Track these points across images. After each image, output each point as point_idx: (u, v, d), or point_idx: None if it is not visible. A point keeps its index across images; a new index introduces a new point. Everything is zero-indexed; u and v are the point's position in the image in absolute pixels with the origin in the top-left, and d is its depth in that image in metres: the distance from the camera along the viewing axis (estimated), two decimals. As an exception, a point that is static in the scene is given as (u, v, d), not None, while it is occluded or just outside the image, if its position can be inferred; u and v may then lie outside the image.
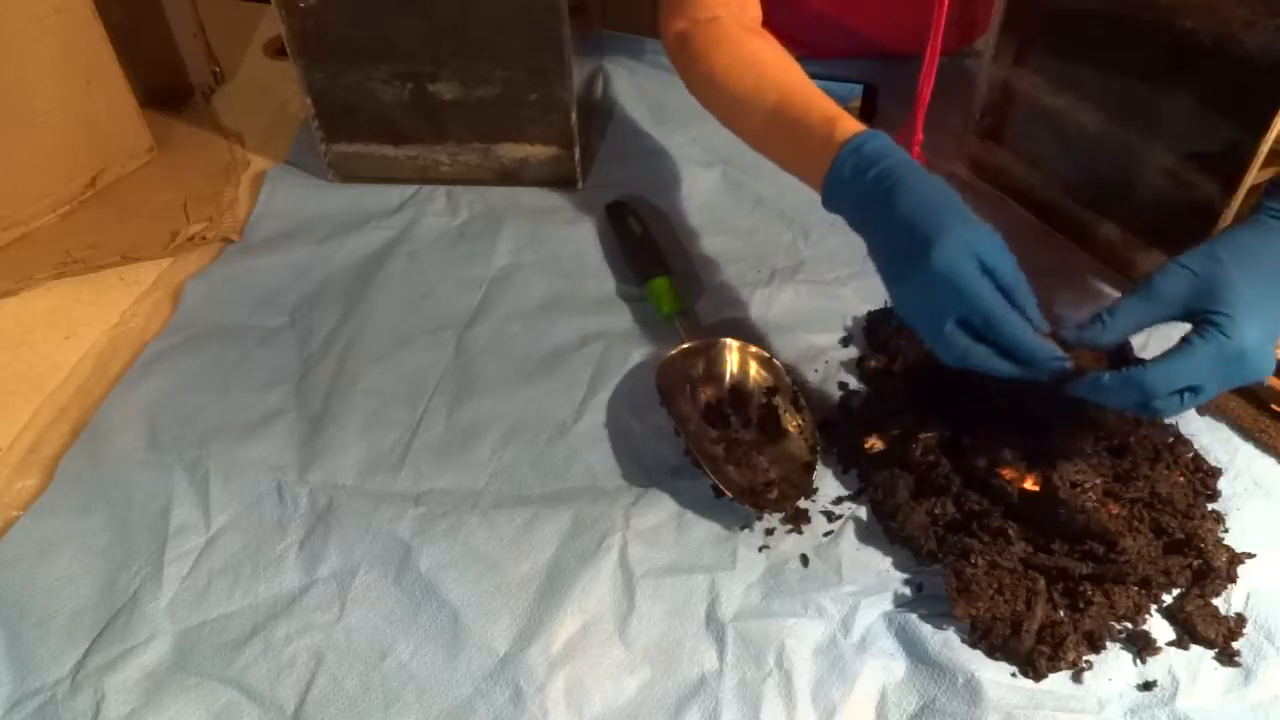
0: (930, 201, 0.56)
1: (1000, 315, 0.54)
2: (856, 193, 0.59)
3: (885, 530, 0.61)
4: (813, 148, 0.62)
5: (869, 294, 0.78)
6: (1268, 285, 0.55)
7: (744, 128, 0.71)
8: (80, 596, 0.59)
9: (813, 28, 0.94)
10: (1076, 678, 0.54)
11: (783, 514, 0.62)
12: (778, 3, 0.77)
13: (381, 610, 0.58)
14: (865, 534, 0.61)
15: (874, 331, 0.74)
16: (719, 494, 0.62)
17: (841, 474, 0.65)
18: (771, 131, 0.67)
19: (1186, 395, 0.54)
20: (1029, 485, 0.59)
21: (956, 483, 0.60)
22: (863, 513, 0.62)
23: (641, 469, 0.66)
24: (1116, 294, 0.77)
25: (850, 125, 0.61)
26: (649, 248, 0.81)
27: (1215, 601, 0.57)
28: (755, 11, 0.75)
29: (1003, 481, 0.59)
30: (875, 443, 0.63)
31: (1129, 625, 0.56)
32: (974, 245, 0.54)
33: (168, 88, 1.01)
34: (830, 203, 0.62)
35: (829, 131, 0.61)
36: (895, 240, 0.57)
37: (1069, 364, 0.55)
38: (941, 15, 0.76)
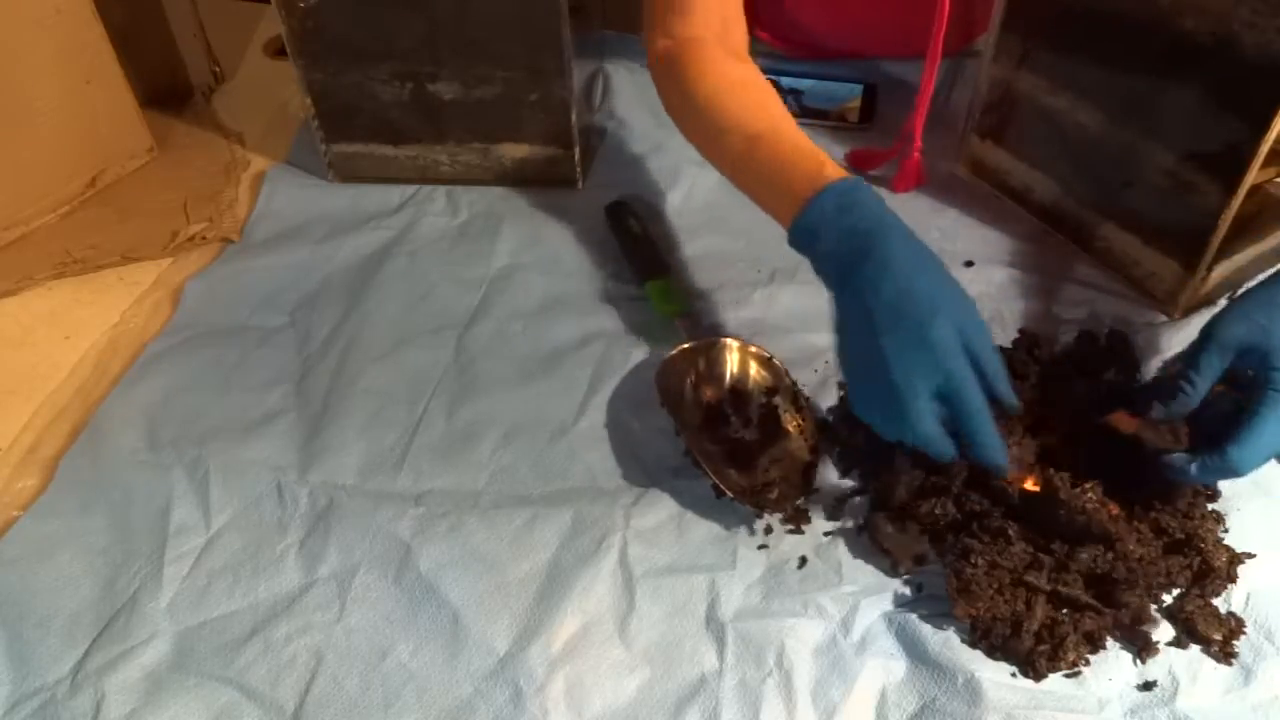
0: (920, 273, 0.55)
1: (972, 400, 0.53)
2: (832, 242, 0.57)
3: (870, 539, 0.60)
4: (787, 188, 0.60)
5: (869, 294, 0.77)
6: None
7: (719, 157, 0.69)
8: (80, 596, 0.59)
9: (811, 29, 0.94)
10: (1076, 678, 0.54)
11: (783, 514, 0.62)
12: (777, 4, 0.76)
13: (381, 610, 0.58)
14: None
15: None
16: (719, 494, 0.62)
17: (842, 474, 0.65)
18: (746, 164, 0.65)
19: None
20: (1029, 485, 0.59)
21: (957, 483, 0.60)
22: (863, 513, 0.62)
23: (641, 469, 0.66)
24: (1117, 294, 0.77)
25: (832, 171, 0.59)
26: (649, 248, 0.81)
27: (1215, 601, 0.57)
28: (740, 36, 0.73)
29: (1003, 482, 0.59)
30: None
31: (1129, 625, 0.55)
32: (962, 324, 0.54)
33: (168, 88, 1.01)
34: (797, 245, 0.59)
35: (808, 173, 0.59)
36: (880, 306, 0.54)
37: (1007, 472, 0.57)
38: (941, 26, 0.76)
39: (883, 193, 0.87)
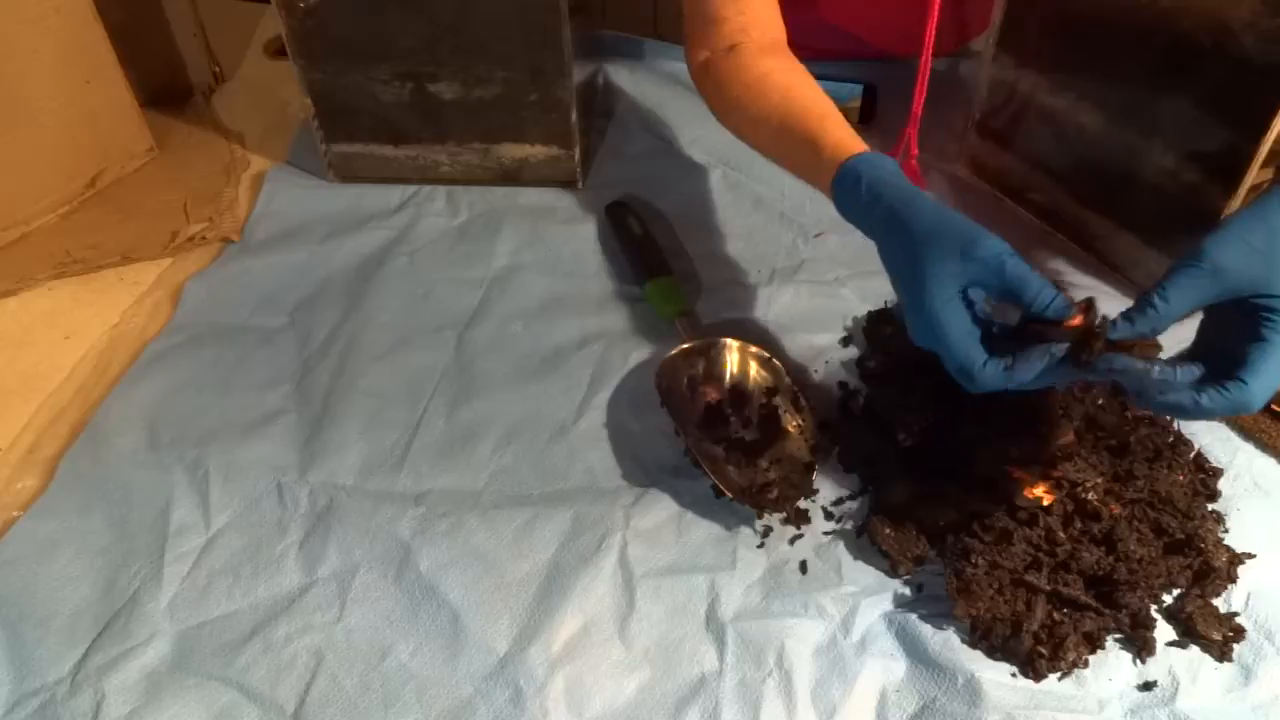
0: (939, 212, 0.55)
1: (1012, 263, 0.52)
2: (857, 212, 0.60)
3: (870, 540, 0.60)
4: (812, 168, 0.63)
5: (869, 294, 0.78)
6: None
7: (761, 147, 0.72)
8: (80, 596, 0.59)
9: (807, 30, 0.94)
10: (1076, 678, 0.54)
11: (783, 514, 0.62)
12: None
13: (381, 610, 0.58)
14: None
15: (874, 331, 0.74)
16: (719, 494, 0.62)
17: (842, 474, 0.65)
18: (780, 151, 0.69)
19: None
20: (1040, 493, 0.59)
21: (957, 483, 0.60)
22: (863, 513, 0.62)
23: (641, 469, 0.66)
24: (1116, 294, 0.77)
25: (838, 150, 0.61)
26: (649, 248, 0.81)
27: (1215, 601, 0.57)
28: (775, 30, 0.74)
29: (1010, 481, 0.59)
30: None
31: (1129, 625, 0.55)
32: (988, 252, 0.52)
33: (168, 88, 1.01)
34: (843, 215, 0.62)
35: (822, 153, 0.62)
36: (917, 236, 0.55)
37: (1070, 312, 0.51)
38: (931, 28, 0.76)
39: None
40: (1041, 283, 0.52)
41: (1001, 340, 0.53)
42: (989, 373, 0.51)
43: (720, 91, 0.72)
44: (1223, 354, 0.51)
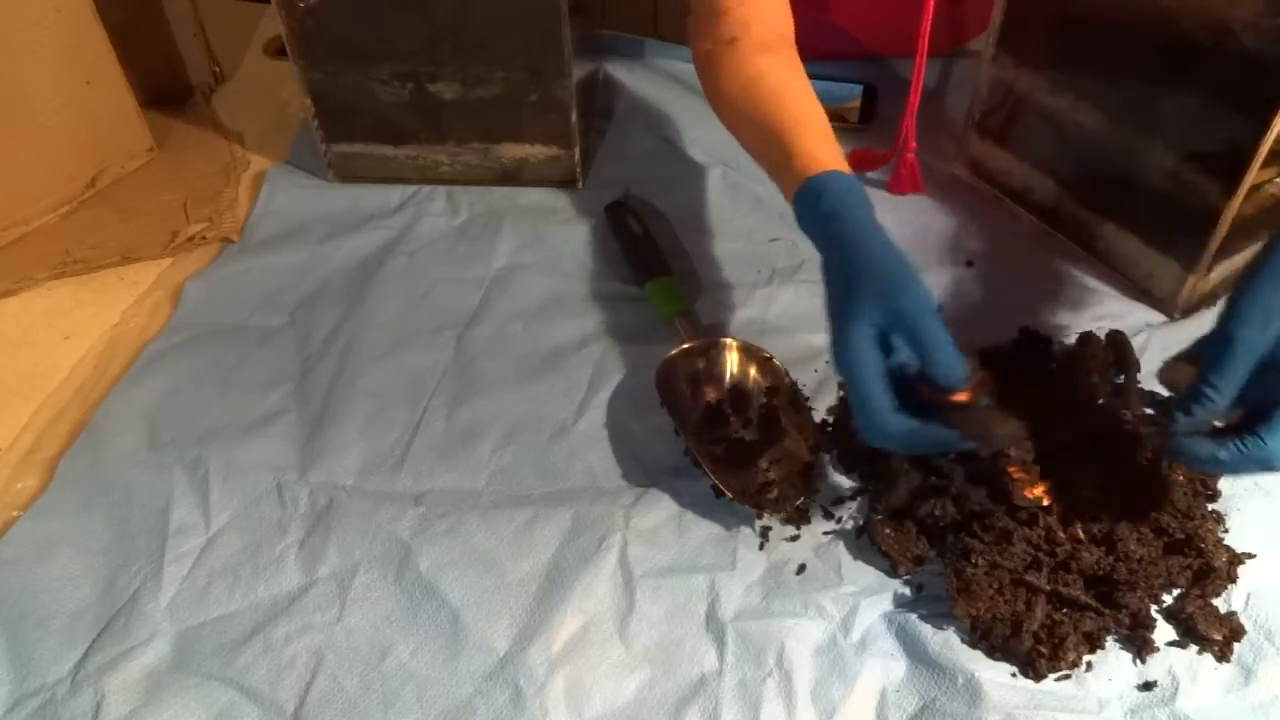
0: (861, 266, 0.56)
1: (923, 317, 0.52)
2: (811, 228, 0.60)
3: (870, 540, 0.60)
4: (782, 176, 0.63)
5: (869, 294, 0.78)
6: None
7: (746, 146, 0.71)
8: (80, 596, 0.59)
9: (804, 31, 0.94)
10: (1076, 678, 0.54)
11: (783, 514, 0.62)
12: None
13: (381, 610, 0.58)
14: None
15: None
16: (719, 494, 0.62)
17: (842, 474, 0.65)
18: (760, 153, 0.68)
19: None
20: (1037, 493, 0.59)
21: (957, 483, 0.60)
22: (863, 513, 0.62)
23: (641, 469, 0.66)
24: (1117, 294, 0.77)
25: (808, 164, 0.61)
26: (649, 248, 0.81)
27: (1215, 601, 0.56)
28: (780, 25, 0.73)
29: (1009, 480, 0.59)
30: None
31: (1129, 625, 0.55)
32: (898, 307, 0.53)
33: (168, 88, 1.01)
34: (800, 227, 0.62)
35: (793, 162, 0.62)
36: (842, 278, 0.56)
37: (964, 386, 0.53)
38: (926, 29, 0.76)
39: (882, 194, 0.87)
40: (949, 349, 0.52)
41: (910, 394, 0.53)
42: (891, 421, 0.52)
43: (717, 85, 0.72)
44: (1253, 407, 0.51)
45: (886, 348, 0.54)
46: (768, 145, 0.66)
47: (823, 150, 0.62)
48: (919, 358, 0.53)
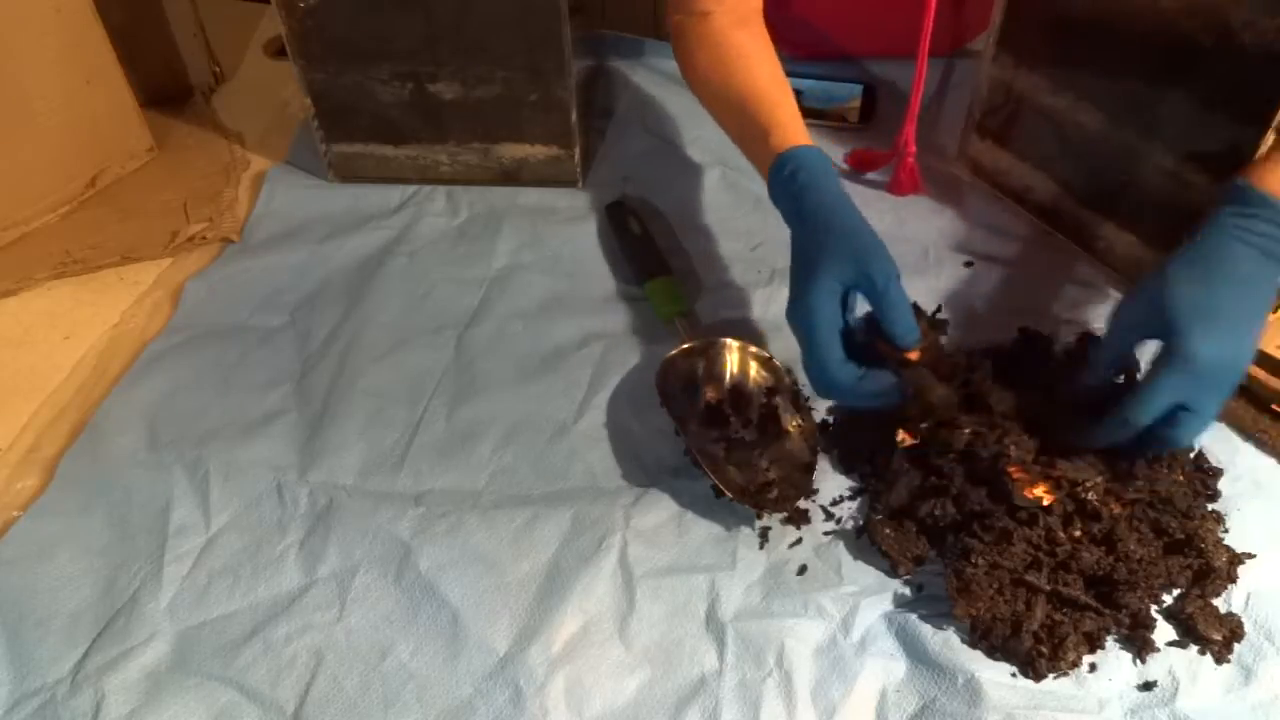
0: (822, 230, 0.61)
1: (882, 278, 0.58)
2: (784, 199, 0.65)
3: (870, 540, 0.60)
4: (756, 151, 0.68)
5: (869, 294, 0.78)
6: (1222, 294, 0.56)
7: (719, 121, 0.75)
8: (80, 596, 0.59)
9: (804, 31, 0.94)
10: (1076, 678, 0.54)
11: (783, 514, 0.62)
12: (771, 6, 0.77)
13: (381, 610, 0.58)
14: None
15: (873, 331, 0.74)
16: (719, 494, 0.62)
17: (842, 474, 0.65)
18: (733, 129, 0.72)
19: (1183, 416, 0.55)
20: (1040, 493, 0.59)
21: (957, 482, 0.60)
22: (863, 513, 0.62)
23: (641, 469, 0.66)
24: (1116, 294, 0.77)
25: (784, 138, 0.65)
26: (649, 248, 0.81)
27: (1215, 601, 0.57)
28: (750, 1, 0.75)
29: (1009, 480, 0.59)
30: (905, 437, 0.62)
31: (1129, 625, 0.55)
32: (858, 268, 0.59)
33: (168, 88, 1.01)
34: (772, 200, 0.67)
35: (769, 138, 0.66)
36: (807, 244, 0.62)
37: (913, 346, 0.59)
38: (927, 30, 0.76)
39: (882, 194, 0.87)
40: (908, 312, 0.59)
41: (857, 353, 0.60)
42: (842, 372, 0.59)
43: (690, 58, 0.75)
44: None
45: (843, 308, 0.60)
46: (741, 121, 0.70)
47: (795, 127, 0.66)
48: (880, 317, 0.59)
